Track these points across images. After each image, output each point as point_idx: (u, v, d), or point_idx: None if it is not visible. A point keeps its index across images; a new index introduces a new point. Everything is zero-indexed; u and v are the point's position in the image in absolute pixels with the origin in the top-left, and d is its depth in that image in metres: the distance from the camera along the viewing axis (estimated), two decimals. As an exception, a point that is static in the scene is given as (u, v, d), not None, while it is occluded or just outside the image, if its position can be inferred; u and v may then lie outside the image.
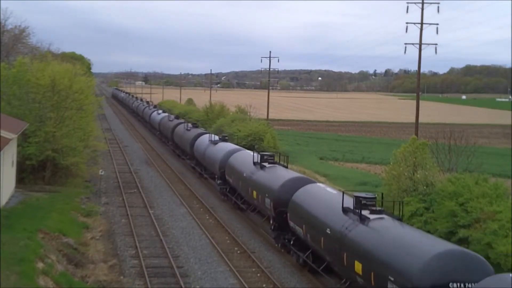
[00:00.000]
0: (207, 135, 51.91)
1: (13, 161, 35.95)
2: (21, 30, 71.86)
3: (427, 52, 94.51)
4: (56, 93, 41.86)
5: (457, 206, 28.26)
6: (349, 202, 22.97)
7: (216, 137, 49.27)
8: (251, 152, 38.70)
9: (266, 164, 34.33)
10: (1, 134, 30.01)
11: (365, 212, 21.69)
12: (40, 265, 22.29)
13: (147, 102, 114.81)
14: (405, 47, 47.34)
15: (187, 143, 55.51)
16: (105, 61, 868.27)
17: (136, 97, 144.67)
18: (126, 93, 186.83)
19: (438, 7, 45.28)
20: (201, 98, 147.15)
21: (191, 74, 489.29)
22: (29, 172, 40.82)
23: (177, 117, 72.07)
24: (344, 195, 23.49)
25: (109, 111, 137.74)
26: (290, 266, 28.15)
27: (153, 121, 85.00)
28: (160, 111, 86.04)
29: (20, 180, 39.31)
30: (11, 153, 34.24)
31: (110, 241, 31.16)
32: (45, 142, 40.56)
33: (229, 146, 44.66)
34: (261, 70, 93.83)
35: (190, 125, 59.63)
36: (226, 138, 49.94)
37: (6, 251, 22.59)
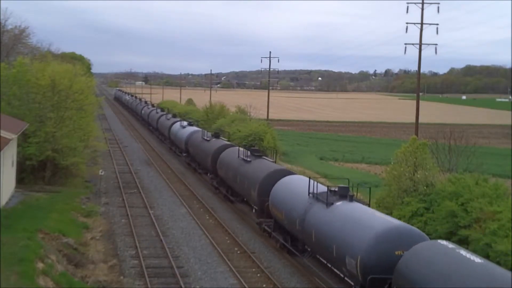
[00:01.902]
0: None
1: (13, 161, 35.95)
2: (21, 30, 71.97)
3: (427, 52, 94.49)
4: (56, 93, 41.87)
5: (457, 206, 28.26)
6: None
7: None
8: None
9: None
10: (1, 134, 30.02)
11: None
12: (40, 265, 22.28)
13: (162, 110, 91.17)
14: (405, 47, 47.39)
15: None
16: (105, 61, 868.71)
17: (146, 101, 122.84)
18: (131, 95, 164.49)
19: (438, 7, 45.33)
20: (201, 98, 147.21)
21: (191, 74, 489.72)
22: (29, 172, 40.83)
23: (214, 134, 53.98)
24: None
25: (109, 111, 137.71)
26: (290, 267, 28.15)
27: (178, 138, 63.07)
28: (187, 124, 64.77)
29: (20, 180, 39.31)
30: (11, 153, 34.25)
31: (110, 241, 31.16)
32: (45, 142, 40.57)
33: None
34: (261, 70, 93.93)
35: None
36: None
37: (6, 251, 22.59)
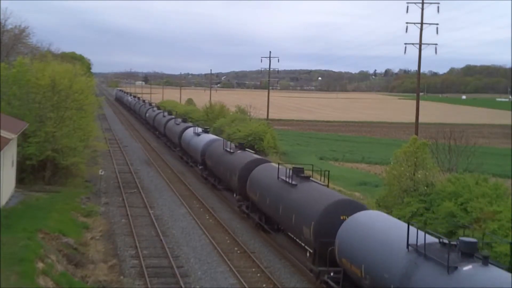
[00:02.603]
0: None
1: (13, 161, 35.95)
2: (21, 30, 72.01)
3: (427, 52, 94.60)
4: (56, 93, 41.87)
5: (456, 207, 28.26)
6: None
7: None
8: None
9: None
10: (1, 134, 30.02)
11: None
12: (40, 265, 22.28)
13: (169, 113, 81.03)
14: (405, 47, 47.42)
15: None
16: (105, 61, 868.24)
17: (150, 103, 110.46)
18: (134, 96, 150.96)
19: (438, 7, 45.37)
20: (201, 98, 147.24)
21: (191, 74, 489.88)
22: (29, 172, 40.82)
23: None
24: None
25: (109, 111, 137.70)
26: (290, 267, 28.17)
27: (192, 148, 54.41)
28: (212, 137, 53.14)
29: (20, 180, 39.31)
30: (11, 153, 34.25)
31: (110, 241, 31.16)
32: (45, 142, 40.57)
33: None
34: (261, 70, 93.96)
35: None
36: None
37: (6, 251, 22.58)
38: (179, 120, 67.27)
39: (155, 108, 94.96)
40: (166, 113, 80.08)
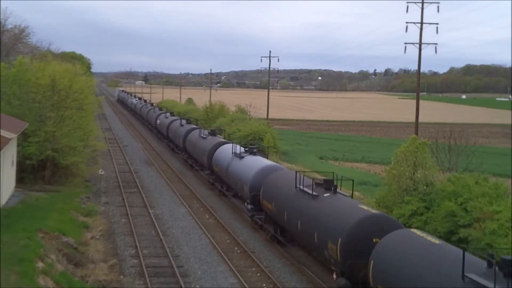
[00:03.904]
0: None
1: (13, 161, 35.95)
2: (21, 29, 72.07)
3: (427, 51, 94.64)
4: (56, 93, 41.88)
5: (456, 206, 28.25)
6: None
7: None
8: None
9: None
10: (1, 134, 30.02)
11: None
12: (40, 264, 22.29)
13: (188, 121, 67.35)
14: (405, 46, 47.38)
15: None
16: (105, 60, 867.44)
17: (160, 108, 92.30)
18: (140, 98, 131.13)
19: (438, 7, 45.33)
20: (201, 98, 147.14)
21: (191, 74, 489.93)
22: (29, 172, 40.83)
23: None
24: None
25: (109, 111, 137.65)
26: (290, 266, 28.16)
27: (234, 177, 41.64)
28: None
29: (20, 179, 39.31)
30: (11, 153, 34.24)
31: (110, 240, 31.17)
32: (45, 142, 40.57)
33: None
34: (261, 70, 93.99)
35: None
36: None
37: (6, 251, 22.58)
38: (206, 132, 53.48)
39: (168, 114, 77.49)
40: (184, 122, 64.77)
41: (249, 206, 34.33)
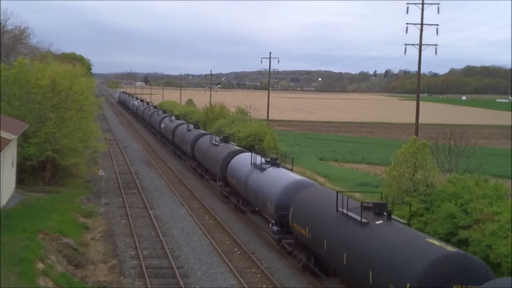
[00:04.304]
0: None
1: (13, 162, 35.95)
2: (21, 30, 72.16)
3: (427, 52, 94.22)
4: (56, 94, 41.91)
5: (456, 208, 28.24)
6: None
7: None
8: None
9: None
10: (1, 135, 30.02)
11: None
12: (40, 265, 22.29)
13: (196, 125, 62.13)
14: (405, 47, 47.31)
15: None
16: (105, 61, 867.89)
17: (165, 111, 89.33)
18: (142, 100, 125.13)
19: (438, 7, 45.26)
20: (201, 99, 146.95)
21: (191, 75, 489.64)
22: (29, 173, 40.83)
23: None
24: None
25: (109, 112, 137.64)
26: (290, 267, 28.15)
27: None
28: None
29: (20, 180, 39.31)
30: (11, 154, 34.24)
31: (110, 241, 31.16)
32: (45, 143, 40.58)
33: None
34: (261, 71, 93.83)
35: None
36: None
37: (6, 251, 22.58)
38: (217, 138, 48.85)
39: (173, 118, 73.58)
40: (191, 126, 60.06)
41: (275, 228, 29.47)
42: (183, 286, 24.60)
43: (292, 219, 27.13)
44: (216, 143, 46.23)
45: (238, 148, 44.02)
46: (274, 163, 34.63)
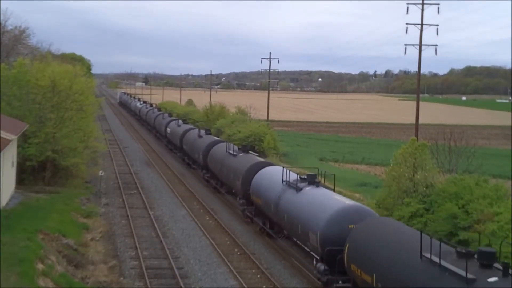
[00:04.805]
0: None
1: (13, 162, 35.94)
2: (21, 31, 72.11)
3: (427, 53, 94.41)
4: (56, 94, 41.89)
5: (457, 209, 28.25)
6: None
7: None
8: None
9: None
10: (1, 135, 30.01)
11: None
12: (40, 266, 22.29)
13: (208, 131, 55.62)
14: (405, 48, 47.32)
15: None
16: (105, 62, 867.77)
17: (170, 114, 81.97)
18: (145, 101, 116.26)
19: (438, 7, 45.27)
20: (201, 99, 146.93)
21: (191, 75, 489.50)
22: (29, 173, 40.82)
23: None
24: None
25: (109, 112, 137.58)
26: (290, 268, 28.15)
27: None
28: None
29: (20, 181, 39.30)
30: (11, 154, 34.24)
31: (110, 242, 31.15)
32: (45, 143, 40.56)
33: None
34: (261, 71, 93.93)
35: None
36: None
37: (6, 251, 22.58)
38: (235, 147, 42.55)
39: (180, 122, 67.11)
40: (202, 132, 53.95)
41: (322, 267, 23.70)
42: (183, 286, 24.59)
43: (348, 259, 21.58)
44: (235, 153, 40.40)
45: (261, 160, 38.43)
46: (312, 181, 28.30)
